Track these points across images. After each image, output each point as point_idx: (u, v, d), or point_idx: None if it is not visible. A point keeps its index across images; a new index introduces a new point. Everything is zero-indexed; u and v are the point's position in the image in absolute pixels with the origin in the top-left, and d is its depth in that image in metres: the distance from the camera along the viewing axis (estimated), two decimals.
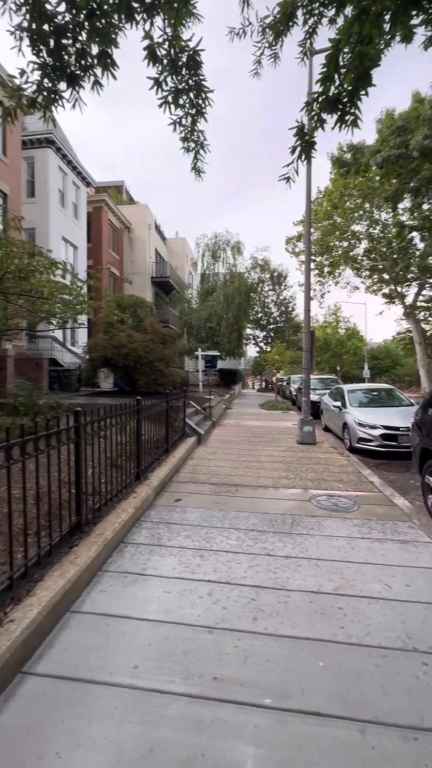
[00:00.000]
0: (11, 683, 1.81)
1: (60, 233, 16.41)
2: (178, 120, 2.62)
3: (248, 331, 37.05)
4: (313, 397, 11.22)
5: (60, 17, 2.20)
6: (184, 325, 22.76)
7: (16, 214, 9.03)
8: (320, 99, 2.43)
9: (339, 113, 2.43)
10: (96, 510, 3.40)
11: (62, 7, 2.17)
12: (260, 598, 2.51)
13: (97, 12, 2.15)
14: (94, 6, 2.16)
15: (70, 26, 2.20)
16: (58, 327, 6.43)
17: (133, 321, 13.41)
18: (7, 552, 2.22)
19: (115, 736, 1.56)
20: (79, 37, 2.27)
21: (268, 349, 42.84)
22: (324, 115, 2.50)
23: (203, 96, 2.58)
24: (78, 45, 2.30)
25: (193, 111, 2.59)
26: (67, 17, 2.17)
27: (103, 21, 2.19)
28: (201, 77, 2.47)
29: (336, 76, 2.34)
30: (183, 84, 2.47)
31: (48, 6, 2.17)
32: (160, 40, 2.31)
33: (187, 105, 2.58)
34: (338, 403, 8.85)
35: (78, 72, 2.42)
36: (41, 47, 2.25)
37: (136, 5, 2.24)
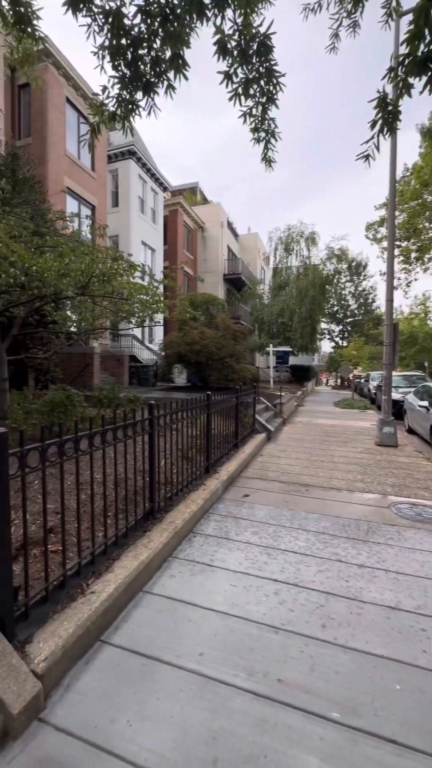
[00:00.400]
0: (91, 648, 2.00)
1: (140, 238, 17.53)
2: (248, 111, 2.58)
3: (323, 325, 35.38)
4: (396, 395, 10.28)
5: (136, 29, 2.31)
6: (255, 321, 22.63)
7: (101, 223, 9.90)
8: (407, 61, 2.17)
9: (429, 74, 2.14)
10: (168, 499, 3.56)
11: (138, 19, 2.27)
12: (330, 606, 2.38)
13: (170, 16, 2.21)
14: (167, 11, 2.23)
15: (145, 35, 2.30)
16: (137, 325, 6.89)
17: (206, 318, 13.75)
18: (91, 530, 2.45)
19: (180, 717, 1.62)
20: (154, 45, 2.36)
21: (345, 344, 40.38)
22: (411, 80, 2.23)
23: (274, 82, 2.50)
24: (152, 53, 2.40)
25: (264, 99, 2.52)
26: (143, 27, 2.27)
27: (176, 24, 2.24)
28: (272, 62, 2.39)
29: (426, 32, 2.07)
30: (253, 73, 2.41)
31: (126, 21, 2.30)
32: (230, 31, 2.29)
33: (258, 94, 2.52)
34: (425, 403, 7.96)
35: (153, 79, 2.52)
36: (120, 61, 2.39)
37: (207, 2, 2.25)
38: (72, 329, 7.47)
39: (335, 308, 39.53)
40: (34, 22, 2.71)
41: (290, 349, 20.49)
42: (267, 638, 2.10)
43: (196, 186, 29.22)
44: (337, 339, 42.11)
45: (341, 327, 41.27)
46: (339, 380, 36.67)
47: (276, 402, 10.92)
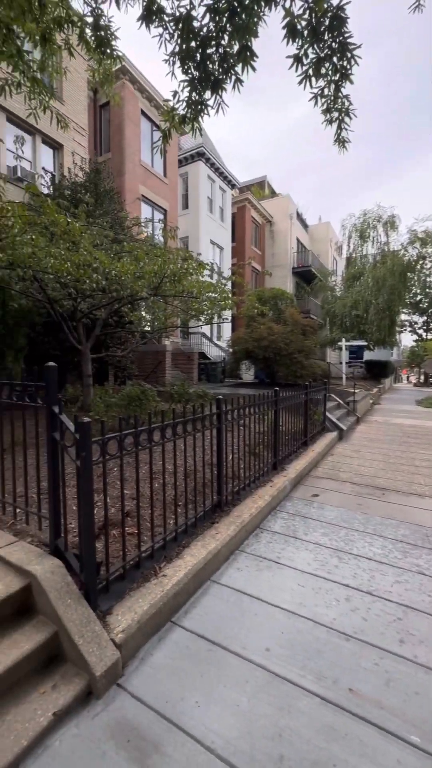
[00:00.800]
0: (163, 628, 2.12)
1: (208, 237, 17.89)
2: (319, 92, 2.46)
3: (403, 317, 32.31)
4: None
5: (204, 29, 2.35)
6: (326, 314, 21.59)
7: (173, 225, 10.33)
8: None
9: None
10: (235, 493, 3.61)
11: (207, 18, 2.31)
12: (408, 620, 2.19)
13: (238, 9, 2.20)
14: (236, 4, 2.22)
15: (213, 33, 2.33)
16: (206, 323, 7.06)
17: (274, 313, 13.53)
18: (163, 517, 2.59)
19: (246, 708, 1.64)
20: (222, 41, 2.38)
21: (430, 336, 36.38)
22: None
23: (348, 56, 2.34)
24: (220, 50, 2.42)
25: (337, 76, 2.37)
26: (211, 26, 2.30)
27: (243, 16, 2.23)
28: (345, 35, 2.24)
29: None
30: (325, 50, 2.29)
31: (195, 23, 2.35)
32: (300, 11, 2.20)
33: (330, 72, 2.39)
34: None
35: (221, 76, 2.54)
36: (189, 64, 2.46)
37: None
38: (146, 328, 7.94)
39: (418, 297, 35.80)
40: (113, 43, 2.92)
41: (365, 344, 19.15)
42: (337, 644, 2.01)
43: (264, 180, 28.80)
44: (420, 331, 38.09)
45: (425, 318, 37.22)
46: (422, 377, 33.21)
47: (349, 399, 10.32)
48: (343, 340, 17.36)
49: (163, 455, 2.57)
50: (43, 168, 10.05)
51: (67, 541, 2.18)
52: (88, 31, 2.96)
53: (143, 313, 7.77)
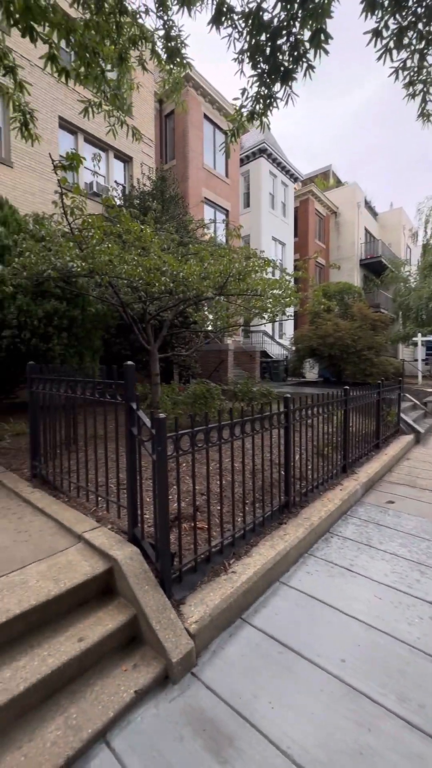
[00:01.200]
0: (233, 624, 2.14)
1: (270, 234, 17.64)
2: (401, 65, 2.26)
3: None
4: None
5: (275, 21, 2.30)
6: (398, 308, 19.91)
7: (236, 225, 10.38)
8: None
9: None
10: (302, 494, 3.50)
11: (278, 8, 2.26)
12: None
13: None
14: None
15: (285, 23, 2.27)
16: (269, 321, 6.97)
17: (340, 309, 12.88)
18: (231, 514, 2.62)
19: (322, 718, 1.58)
20: (293, 29, 2.31)
21: None
22: None
23: None
24: (291, 38, 2.35)
25: (422, 44, 2.17)
26: (282, 15, 2.25)
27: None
28: None
29: None
30: (409, 17, 2.10)
31: (265, 16, 2.32)
32: None
33: (414, 41, 2.18)
34: None
35: (291, 66, 2.47)
36: (259, 58, 2.43)
37: None
38: (209, 328, 8.09)
39: None
40: (183, 51, 3.00)
41: None
42: (422, 666, 1.84)
43: (329, 170, 27.54)
44: None
45: None
46: None
47: (426, 400, 9.42)
48: (419, 335, 15.89)
49: (231, 453, 2.59)
50: (115, 181, 10.78)
51: (143, 530, 2.30)
52: (159, 44, 3.09)
53: (207, 313, 7.93)
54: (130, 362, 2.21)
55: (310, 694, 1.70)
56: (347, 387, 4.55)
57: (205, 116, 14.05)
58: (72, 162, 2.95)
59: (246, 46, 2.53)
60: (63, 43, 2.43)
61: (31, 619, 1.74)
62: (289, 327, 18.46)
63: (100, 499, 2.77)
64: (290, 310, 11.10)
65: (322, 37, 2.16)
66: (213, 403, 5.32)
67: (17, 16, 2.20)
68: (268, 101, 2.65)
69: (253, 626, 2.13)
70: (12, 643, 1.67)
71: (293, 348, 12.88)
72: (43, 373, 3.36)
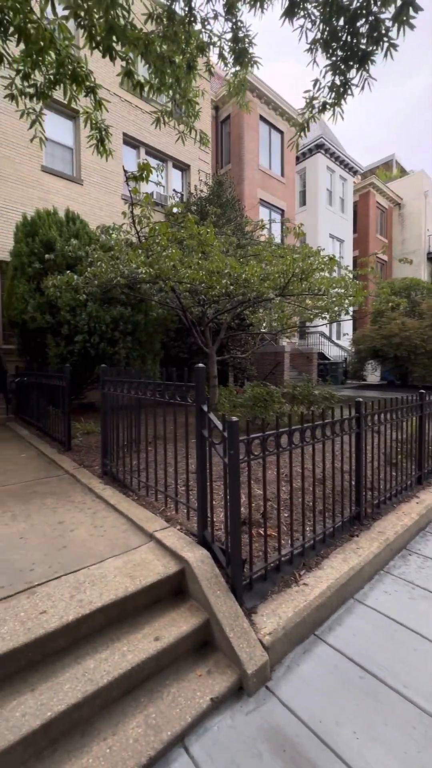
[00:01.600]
0: (307, 639, 2.03)
1: (327, 231, 17.02)
2: None
3: None
4: None
5: (354, 2, 2.18)
6: None
7: (292, 224, 10.14)
8: None
9: None
10: (374, 506, 3.26)
11: None
12: None
13: None
14: None
15: (364, 3, 2.13)
16: (330, 321, 6.68)
17: (406, 306, 11.99)
18: (301, 522, 2.50)
19: (415, 758, 1.42)
20: (373, 8, 2.16)
21: None
22: None
23: None
24: (371, 18, 2.20)
25: None
26: None
27: None
28: None
29: None
30: None
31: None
32: None
33: None
34: None
35: (369, 48, 2.32)
36: (334, 45, 2.32)
37: None
38: (264, 330, 7.98)
39: None
40: (250, 50, 2.98)
41: None
42: None
43: (392, 159, 25.91)
44: None
45: None
46: None
47: None
48: None
49: (302, 458, 2.48)
50: (174, 190, 11.13)
51: (213, 533, 2.28)
52: (226, 47, 3.10)
53: (264, 315, 7.83)
54: (200, 365, 2.22)
55: (401, 729, 1.54)
56: (423, 391, 4.17)
57: (261, 117, 13.98)
58: (143, 172, 3.06)
59: (319, 34, 2.43)
60: (136, 57, 2.53)
61: (111, 614, 1.80)
62: (347, 327, 17.62)
63: (168, 499, 2.82)
64: (350, 310, 10.54)
65: (410, 10, 1.98)
66: (272, 406, 5.21)
67: (98, 38, 2.34)
68: (342, 89, 2.52)
69: (328, 644, 2.01)
70: (94, 635, 1.74)
71: (353, 349, 12.24)
72: (114, 375, 3.53)
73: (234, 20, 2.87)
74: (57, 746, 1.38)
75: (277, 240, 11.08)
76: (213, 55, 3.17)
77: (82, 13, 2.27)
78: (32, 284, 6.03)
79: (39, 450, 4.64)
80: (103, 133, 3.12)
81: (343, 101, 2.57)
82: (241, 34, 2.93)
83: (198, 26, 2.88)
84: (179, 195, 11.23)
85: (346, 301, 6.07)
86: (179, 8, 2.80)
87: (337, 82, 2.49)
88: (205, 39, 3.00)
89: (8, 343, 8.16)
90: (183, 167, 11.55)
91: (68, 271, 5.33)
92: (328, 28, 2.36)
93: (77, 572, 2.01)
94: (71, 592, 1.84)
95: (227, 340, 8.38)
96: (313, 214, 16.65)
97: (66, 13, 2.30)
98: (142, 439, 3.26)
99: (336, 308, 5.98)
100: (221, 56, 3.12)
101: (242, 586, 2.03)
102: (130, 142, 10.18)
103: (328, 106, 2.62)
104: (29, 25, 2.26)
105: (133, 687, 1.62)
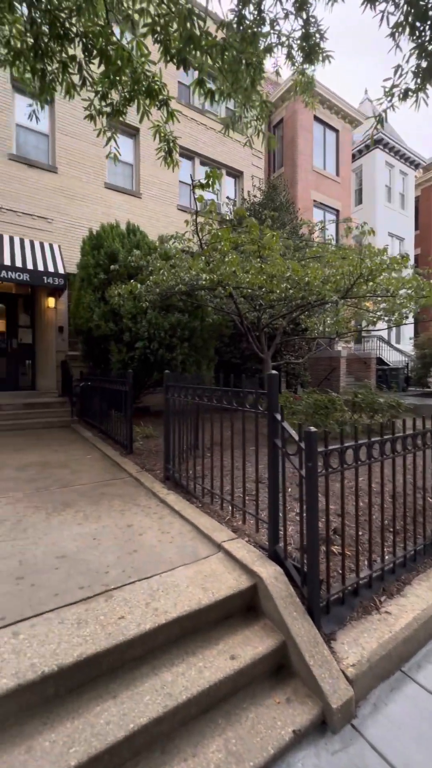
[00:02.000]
0: (393, 676, 1.83)
1: (386, 229, 16.13)
2: None
3: None
4: None
5: None
6: None
7: (358, 223, 9.71)
8: None
9: None
10: None
11: None
12: None
13: None
14: None
15: None
16: (396, 324, 6.24)
17: None
18: (381, 544, 2.30)
19: None
20: None
21: None
22: None
23: None
24: None
25: None
26: None
27: None
28: None
29: None
30: None
31: None
32: None
33: None
34: None
35: None
36: (422, 26, 2.14)
37: None
38: (324, 333, 7.68)
39: None
40: (321, 44, 2.87)
41: None
42: None
43: None
44: None
45: None
46: None
47: None
48: None
49: (381, 473, 2.29)
50: (227, 197, 11.24)
51: (286, 548, 2.17)
52: (294, 46, 3.02)
53: (321, 319, 7.54)
54: (274, 371, 2.13)
55: None
56: None
57: (316, 118, 13.66)
58: (209, 179, 3.08)
59: (403, 18, 2.27)
60: (214, 62, 2.55)
61: (185, 625, 1.76)
62: (408, 331, 16.48)
63: (234, 509, 2.75)
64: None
65: None
66: (334, 414, 4.95)
67: (173, 51, 2.39)
68: (429, 73, 2.32)
69: (417, 683, 1.80)
70: (169, 646, 1.71)
71: (416, 354, 11.37)
72: (173, 380, 3.56)
73: (305, 17, 2.79)
74: (139, 759, 1.36)
75: (333, 241, 10.68)
76: (280, 56, 3.11)
77: (158, 28, 2.34)
78: (97, 294, 6.38)
79: (102, 452, 4.83)
80: (171, 144, 3.18)
81: (429, 85, 2.37)
82: (312, 30, 2.84)
83: (266, 28, 2.84)
84: (232, 202, 11.30)
85: (413, 303, 5.63)
86: (248, 12, 2.78)
87: (423, 64, 2.30)
88: (274, 40, 2.95)
89: (73, 349, 8.72)
90: (236, 174, 11.63)
91: (131, 280, 5.55)
92: (413, 10, 2.19)
93: (150, 579, 2.01)
94: (146, 599, 1.84)
95: (281, 345, 8.20)
96: (371, 211, 15.87)
97: (144, 30, 2.39)
98: (207, 446, 3.23)
99: (404, 310, 5.57)
100: (289, 56, 3.05)
101: (320, 608, 1.89)
102: (186, 153, 10.46)
103: (411, 93, 2.42)
104: (109, 47, 2.37)
105: (210, 707, 1.56)
